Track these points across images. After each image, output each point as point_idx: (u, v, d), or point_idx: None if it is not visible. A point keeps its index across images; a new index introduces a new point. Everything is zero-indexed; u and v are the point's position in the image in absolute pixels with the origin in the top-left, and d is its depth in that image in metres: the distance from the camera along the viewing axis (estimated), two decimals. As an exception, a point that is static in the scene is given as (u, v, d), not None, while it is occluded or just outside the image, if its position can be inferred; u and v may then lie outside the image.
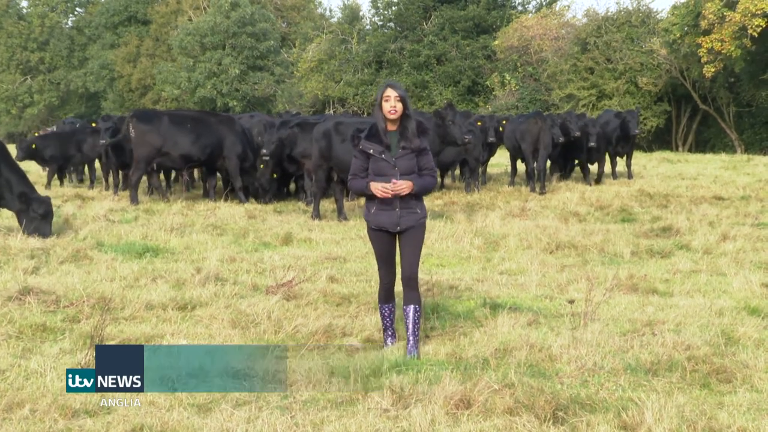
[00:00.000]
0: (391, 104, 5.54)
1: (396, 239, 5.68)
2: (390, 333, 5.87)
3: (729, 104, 33.23)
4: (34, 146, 17.25)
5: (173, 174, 17.14)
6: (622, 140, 18.14)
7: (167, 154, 14.05)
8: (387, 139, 5.58)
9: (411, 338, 5.64)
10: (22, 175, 10.64)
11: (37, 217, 10.25)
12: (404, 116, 5.59)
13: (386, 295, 5.80)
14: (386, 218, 5.58)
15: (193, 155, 14.16)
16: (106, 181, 17.47)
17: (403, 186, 5.49)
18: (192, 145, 14.07)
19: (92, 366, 5.27)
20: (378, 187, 5.49)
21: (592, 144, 16.51)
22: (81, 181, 18.46)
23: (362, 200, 14.59)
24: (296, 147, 14.03)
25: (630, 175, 18.53)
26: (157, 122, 14.09)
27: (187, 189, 16.61)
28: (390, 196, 5.47)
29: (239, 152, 14.37)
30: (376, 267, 5.81)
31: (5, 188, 10.31)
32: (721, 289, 7.54)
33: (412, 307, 5.66)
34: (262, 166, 14.40)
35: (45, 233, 10.21)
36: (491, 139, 17.13)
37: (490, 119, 17.95)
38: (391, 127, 5.62)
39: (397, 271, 5.80)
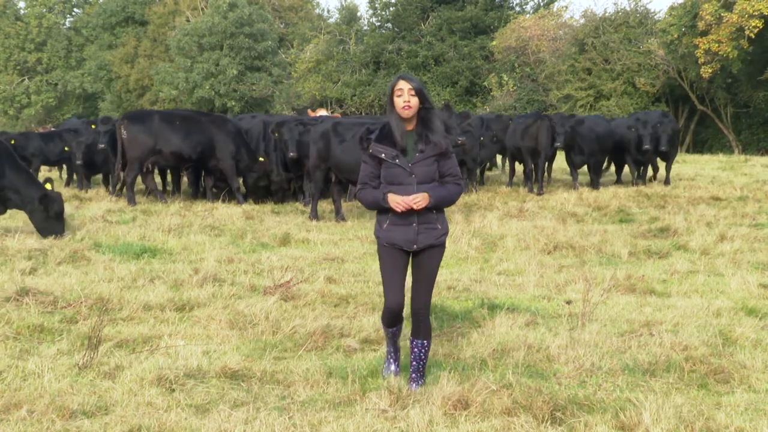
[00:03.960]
0: (405, 99, 4.69)
1: (409, 258, 4.89)
2: (393, 356, 5.12)
3: (726, 105, 33.29)
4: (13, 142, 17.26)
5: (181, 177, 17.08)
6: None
7: (160, 152, 14.11)
8: (402, 141, 4.75)
9: (414, 375, 5.00)
10: (29, 175, 10.62)
11: (50, 215, 10.24)
12: (423, 112, 4.77)
13: (392, 319, 4.99)
14: (401, 235, 4.77)
15: (185, 153, 14.19)
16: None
17: (418, 200, 4.67)
18: (183, 142, 14.11)
19: (90, 367, 5.28)
20: (397, 201, 4.68)
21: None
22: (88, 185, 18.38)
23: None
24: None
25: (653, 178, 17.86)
26: (148, 121, 14.19)
27: (194, 193, 16.41)
28: (404, 209, 4.69)
29: (232, 152, 14.34)
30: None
31: (11, 189, 10.27)
32: (718, 290, 7.55)
33: (419, 342, 4.94)
34: (261, 158, 14.39)
35: (59, 231, 10.21)
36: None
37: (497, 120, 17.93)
38: (408, 127, 4.79)
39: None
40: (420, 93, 4.72)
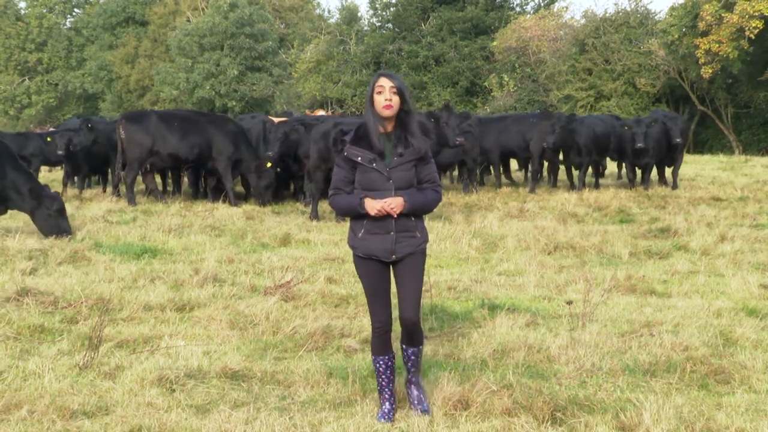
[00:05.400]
0: (386, 97, 4.38)
1: (390, 270, 4.56)
2: (387, 396, 4.60)
3: (727, 105, 33.29)
4: None
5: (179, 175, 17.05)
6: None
7: (158, 152, 14.10)
8: (380, 143, 4.43)
9: (414, 389, 4.67)
10: (29, 175, 10.63)
11: (52, 214, 10.23)
12: (402, 114, 4.46)
13: (381, 345, 4.57)
14: (378, 244, 4.43)
15: (182, 154, 14.16)
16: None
17: (393, 205, 4.38)
18: (180, 143, 14.08)
19: (90, 367, 5.28)
20: (375, 206, 4.37)
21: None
22: (87, 186, 18.41)
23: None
24: (300, 147, 14.08)
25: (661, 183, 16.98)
26: (146, 122, 14.18)
27: (194, 193, 16.37)
28: (383, 214, 4.39)
29: (230, 153, 14.27)
30: None
31: (12, 189, 10.27)
32: (719, 290, 7.55)
33: (413, 349, 4.66)
34: (269, 164, 14.34)
35: (64, 229, 10.20)
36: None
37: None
38: (386, 129, 4.48)
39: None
40: (401, 93, 4.41)
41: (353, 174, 4.48)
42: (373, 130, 4.44)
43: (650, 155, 15.85)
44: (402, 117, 4.47)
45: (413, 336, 4.62)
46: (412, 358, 4.68)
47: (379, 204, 4.36)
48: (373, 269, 4.49)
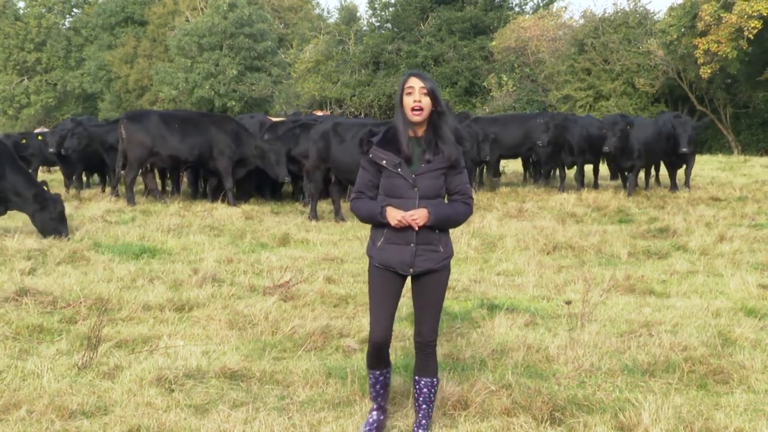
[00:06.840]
0: (415, 98, 4.09)
1: (403, 284, 4.26)
2: (376, 407, 4.40)
3: (726, 105, 33.31)
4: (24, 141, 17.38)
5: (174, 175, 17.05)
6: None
7: (158, 153, 14.10)
8: (408, 148, 4.14)
9: (423, 421, 4.29)
10: (29, 177, 10.62)
11: (53, 216, 10.22)
12: (435, 116, 4.16)
13: (377, 358, 4.29)
14: (396, 255, 4.14)
15: (181, 155, 14.15)
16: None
17: (416, 216, 4.07)
18: (180, 144, 14.07)
19: (89, 367, 5.27)
20: (395, 216, 4.08)
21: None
22: (85, 186, 18.40)
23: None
24: (297, 147, 14.08)
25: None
26: (147, 122, 14.18)
27: (193, 193, 16.37)
28: (400, 225, 4.10)
29: (231, 153, 14.27)
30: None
31: (11, 191, 10.26)
32: (717, 290, 7.55)
33: (427, 380, 4.26)
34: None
35: (62, 232, 10.19)
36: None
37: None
38: (416, 133, 4.19)
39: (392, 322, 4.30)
40: (432, 94, 4.10)
41: (378, 178, 4.19)
42: (402, 134, 4.14)
43: (633, 158, 14.79)
44: (434, 119, 4.17)
45: (428, 361, 4.27)
46: (425, 391, 4.26)
47: (401, 214, 4.06)
48: (388, 280, 4.20)
